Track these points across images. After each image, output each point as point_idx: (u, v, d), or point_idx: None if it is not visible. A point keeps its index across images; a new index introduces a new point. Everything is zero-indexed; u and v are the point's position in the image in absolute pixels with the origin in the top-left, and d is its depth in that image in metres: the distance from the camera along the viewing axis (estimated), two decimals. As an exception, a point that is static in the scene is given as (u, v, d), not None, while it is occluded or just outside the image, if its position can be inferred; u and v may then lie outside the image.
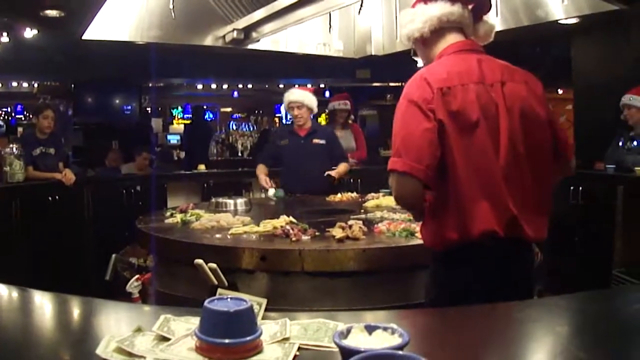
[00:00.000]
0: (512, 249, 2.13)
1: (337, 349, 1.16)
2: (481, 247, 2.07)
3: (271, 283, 2.86)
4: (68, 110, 10.58)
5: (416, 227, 2.92)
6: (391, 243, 2.96)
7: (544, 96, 2.26)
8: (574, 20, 4.98)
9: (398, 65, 7.55)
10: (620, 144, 5.59)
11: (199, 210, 4.00)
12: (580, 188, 5.40)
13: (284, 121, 13.55)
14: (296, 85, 9.07)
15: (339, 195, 4.90)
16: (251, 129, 13.00)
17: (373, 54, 6.60)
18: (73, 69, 9.19)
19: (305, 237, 3.03)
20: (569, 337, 1.51)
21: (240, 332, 1.20)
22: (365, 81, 11.02)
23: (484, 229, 2.04)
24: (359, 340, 1.16)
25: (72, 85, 10.10)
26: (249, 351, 1.24)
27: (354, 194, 4.97)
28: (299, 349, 1.32)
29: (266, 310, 1.54)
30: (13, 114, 13.58)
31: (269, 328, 1.38)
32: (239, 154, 10.87)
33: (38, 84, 10.93)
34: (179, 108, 15.01)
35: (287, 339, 1.34)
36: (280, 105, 5.82)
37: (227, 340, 1.19)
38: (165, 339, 1.33)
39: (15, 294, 1.83)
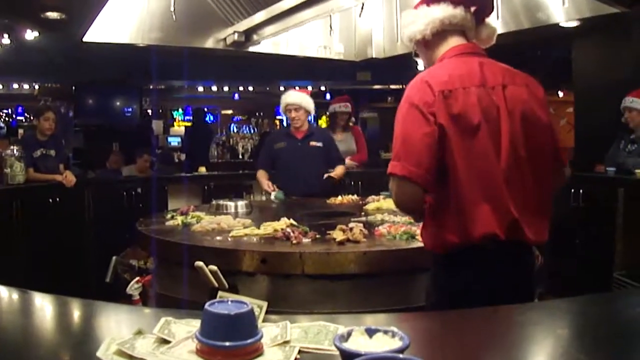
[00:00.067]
0: (513, 252, 2.13)
1: (337, 352, 1.16)
2: (482, 250, 2.06)
3: (272, 286, 2.85)
4: (69, 112, 10.60)
5: (417, 230, 2.91)
6: (392, 246, 2.95)
7: (545, 99, 2.26)
8: (574, 23, 4.98)
9: (399, 67, 7.56)
10: (621, 146, 5.60)
11: (200, 212, 4.00)
12: (581, 190, 5.40)
13: (284, 124, 13.57)
14: (296, 88, 9.08)
15: (339, 197, 4.89)
16: (252, 131, 12.99)
17: (374, 56, 6.60)
18: (74, 71, 9.20)
19: (305, 240, 3.02)
20: (570, 340, 1.51)
21: (241, 335, 1.20)
22: (366, 84, 11.03)
23: (485, 232, 2.04)
24: (359, 343, 1.16)
25: (73, 87, 10.11)
26: (250, 354, 1.24)
27: (355, 197, 4.96)
28: (300, 352, 1.31)
29: (267, 312, 1.54)
30: (14, 116, 13.60)
31: (270, 331, 1.38)
32: (240, 157, 10.87)
33: (39, 86, 10.95)
34: (180, 110, 15.02)
35: (287, 342, 1.34)
36: (281, 107, 5.88)
37: (227, 343, 1.19)
38: (165, 341, 1.33)
39: (15, 295, 1.83)
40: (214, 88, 12.46)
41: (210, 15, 5.70)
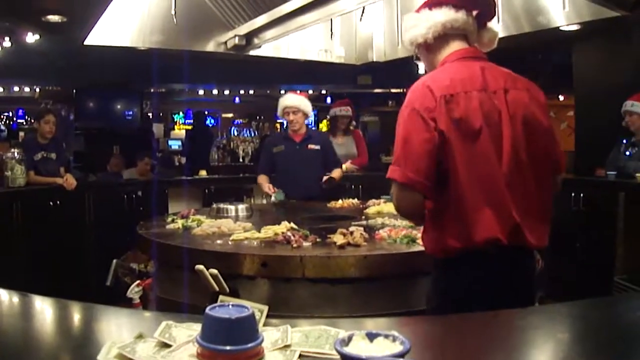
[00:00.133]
0: (514, 256, 2.13)
1: (338, 357, 1.16)
2: (484, 254, 2.06)
3: (272, 289, 2.85)
4: (69, 115, 10.60)
5: (417, 233, 2.92)
6: (392, 250, 2.95)
7: (545, 104, 2.26)
8: (575, 27, 4.99)
9: (399, 71, 7.57)
10: (622, 150, 5.59)
11: (200, 216, 4.00)
12: (582, 194, 5.40)
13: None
14: (297, 91, 9.08)
15: (340, 201, 4.89)
16: (252, 134, 12.98)
17: (374, 60, 6.62)
18: (75, 74, 9.20)
19: (306, 244, 3.03)
20: (571, 344, 1.50)
21: (241, 339, 1.20)
22: (367, 87, 11.03)
23: (488, 237, 2.04)
24: (360, 347, 1.16)
25: (74, 90, 10.11)
26: (251, 358, 1.24)
27: (355, 201, 4.96)
28: (300, 356, 1.31)
29: (267, 316, 1.54)
30: (14, 119, 13.63)
31: (270, 335, 1.38)
32: (240, 160, 10.85)
33: (40, 89, 10.96)
34: (181, 113, 15.05)
35: (288, 346, 1.34)
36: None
37: (228, 347, 1.19)
38: (166, 345, 1.33)
39: (15, 299, 1.83)
40: (215, 91, 12.48)
41: (211, 19, 5.71)
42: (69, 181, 5.75)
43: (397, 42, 6.21)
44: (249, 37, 5.45)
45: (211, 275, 2.62)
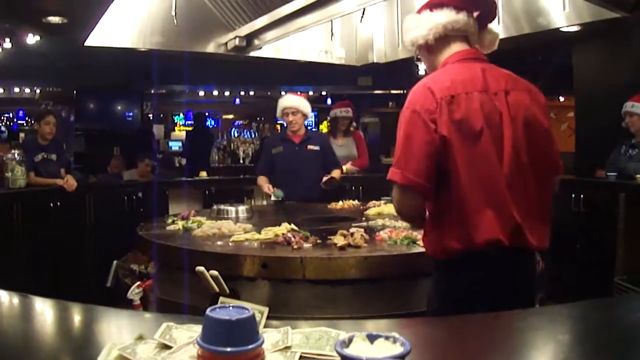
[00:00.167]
0: (515, 257, 2.13)
1: (338, 358, 1.16)
2: (484, 255, 2.07)
3: (272, 291, 2.85)
4: (70, 117, 10.59)
5: (418, 235, 2.92)
6: (393, 251, 2.95)
7: (546, 105, 2.27)
8: (575, 28, 4.99)
9: (400, 72, 7.58)
10: (622, 151, 5.59)
11: (201, 217, 4.00)
12: (582, 196, 5.40)
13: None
14: (298, 92, 9.08)
15: (340, 202, 4.89)
16: (253, 136, 13.00)
17: (375, 61, 6.61)
18: (75, 75, 9.20)
19: (306, 245, 3.02)
20: (571, 346, 1.50)
21: (242, 340, 1.20)
22: (367, 89, 11.03)
23: (489, 238, 2.04)
24: (360, 349, 1.16)
25: (74, 92, 10.10)
26: (251, 359, 1.24)
27: (356, 202, 4.96)
28: (301, 357, 1.32)
29: (268, 318, 1.54)
30: (15, 120, 13.63)
31: (271, 336, 1.38)
32: (241, 161, 10.86)
33: (40, 90, 10.96)
34: (181, 115, 15.04)
35: (288, 347, 1.34)
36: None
37: (229, 349, 1.19)
38: (167, 347, 1.33)
39: (16, 300, 1.83)
40: (215, 93, 12.47)
41: (211, 20, 5.71)
42: (70, 182, 5.75)
43: (398, 44, 6.21)
44: (250, 38, 5.44)
45: (211, 276, 2.62)
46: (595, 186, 5.60)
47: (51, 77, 9.66)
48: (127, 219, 5.12)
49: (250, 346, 1.21)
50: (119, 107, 10.49)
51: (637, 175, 5.08)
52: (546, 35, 5.21)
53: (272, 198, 5.20)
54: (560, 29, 4.99)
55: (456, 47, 2.28)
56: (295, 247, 2.99)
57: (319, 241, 3.09)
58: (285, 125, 5.63)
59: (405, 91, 2.19)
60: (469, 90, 2.10)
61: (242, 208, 4.35)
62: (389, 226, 3.55)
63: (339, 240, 2.99)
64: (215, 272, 2.61)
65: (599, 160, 5.79)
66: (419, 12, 2.34)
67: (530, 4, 5.03)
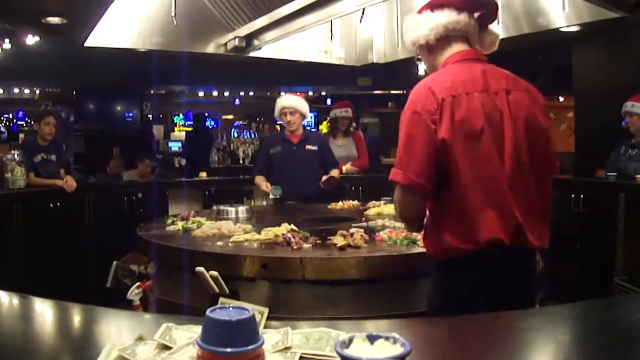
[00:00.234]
0: (516, 257, 2.13)
1: (338, 359, 1.15)
2: (485, 255, 2.07)
3: (272, 291, 2.85)
4: (70, 117, 10.59)
5: (418, 235, 2.92)
6: (393, 251, 2.95)
7: (545, 106, 2.27)
8: (575, 28, 4.99)
9: (399, 72, 7.59)
10: (622, 151, 5.59)
11: (200, 217, 4.00)
12: (582, 196, 5.40)
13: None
14: (297, 93, 9.08)
15: (340, 203, 4.89)
16: (252, 136, 12.98)
17: (374, 61, 6.61)
18: (75, 75, 9.20)
19: (306, 245, 3.02)
20: (571, 346, 1.50)
21: (242, 341, 1.20)
22: (367, 89, 11.03)
23: (490, 237, 2.04)
24: (360, 349, 1.16)
25: (74, 92, 10.10)
26: (251, 360, 1.24)
27: (356, 202, 4.96)
28: (301, 358, 1.31)
29: (268, 318, 1.54)
30: (15, 120, 13.63)
31: (271, 337, 1.38)
32: (241, 162, 10.84)
33: (40, 91, 10.95)
34: (181, 115, 15.04)
35: (288, 348, 1.34)
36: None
37: (229, 350, 1.18)
38: (167, 347, 1.33)
39: (15, 301, 1.83)
40: (215, 93, 12.48)
41: (211, 21, 5.71)
42: (69, 183, 5.75)
43: (397, 44, 6.21)
44: (249, 38, 5.44)
45: (211, 277, 2.62)
46: (595, 186, 5.60)
47: (51, 78, 9.66)
48: (127, 220, 5.12)
49: (250, 347, 1.21)
50: (119, 108, 10.49)
51: (637, 175, 5.08)
52: (546, 35, 5.21)
53: (270, 196, 5.20)
54: (560, 29, 4.99)
55: (456, 48, 2.29)
56: (295, 247, 2.99)
57: (318, 241, 3.09)
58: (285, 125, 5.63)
59: (404, 91, 2.20)
60: (470, 91, 2.11)
61: (241, 208, 4.34)
62: (388, 226, 3.55)
63: (338, 240, 2.99)
64: (215, 273, 2.61)
65: (599, 161, 5.79)
66: (419, 12, 2.34)
67: (530, 4, 5.03)
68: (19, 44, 6.61)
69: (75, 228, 5.95)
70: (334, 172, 5.47)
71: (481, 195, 2.06)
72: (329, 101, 12.86)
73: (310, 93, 12.38)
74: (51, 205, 5.60)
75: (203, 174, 7.76)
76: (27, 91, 11.09)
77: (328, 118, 8.07)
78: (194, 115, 13.23)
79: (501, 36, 2.47)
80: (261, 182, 5.35)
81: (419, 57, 2.46)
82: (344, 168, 6.61)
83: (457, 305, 2.09)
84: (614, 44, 6.06)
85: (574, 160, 6.66)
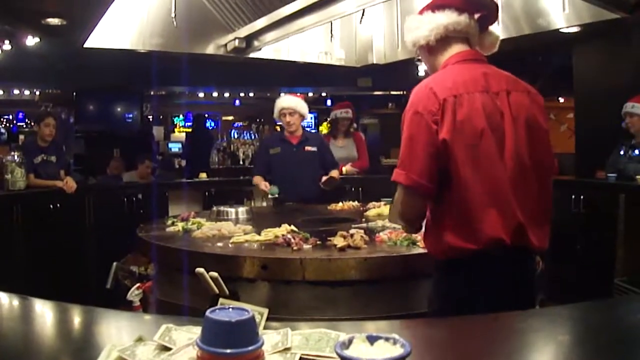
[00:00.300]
0: (516, 257, 2.14)
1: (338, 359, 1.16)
2: (486, 255, 2.07)
3: (272, 292, 2.85)
4: (70, 118, 10.58)
5: (418, 236, 2.92)
6: (393, 252, 2.95)
7: (544, 107, 2.28)
8: (575, 29, 4.99)
9: (399, 73, 7.58)
10: (622, 152, 5.59)
11: (200, 218, 4.00)
12: (582, 197, 5.40)
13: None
14: (297, 94, 9.08)
15: (340, 204, 4.89)
16: (253, 137, 12.98)
17: (374, 62, 6.60)
18: (75, 76, 9.19)
19: (306, 246, 3.02)
20: (571, 347, 1.50)
21: (241, 342, 1.20)
22: (367, 90, 11.01)
23: (492, 237, 2.05)
24: (360, 350, 1.16)
25: (74, 93, 10.09)
26: (250, 361, 1.24)
27: (356, 203, 4.96)
28: (301, 359, 1.31)
29: (267, 319, 1.54)
30: (15, 122, 13.61)
31: (271, 338, 1.38)
32: (241, 162, 10.84)
33: (40, 92, 10.94)
34: (181, 116, 15.02)
35: (288, 349, 1.34)
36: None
37: (228, 351, 1.18)
38: (166, 348, 1.33)
39: (15, 302, 1.83)
40: (215, 94, 12.46)
41: (211, 22, 5.70)
42: (69, 184, 5.75)
43: (397, 45, 6.21)
44: (249, 39, 5.44)
45: (211, 278, 2.62)
46: (595, 187, 5.60)
47: (51, 79, 9.64)
48: (127, 221, 5.12)
49: (249, 348, 1.21)
50: (119, 109, 10.48)
51: (637, 176, 5.08)
52: (546, 36, 5.21)
53: (269, 195, 5.21)
54: (560, 30, 4.99)
55: (457, 48, 2.30)
56: (295, 248, 2.99)
57: (318, 242, 3.09)
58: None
59: (405, 92, 2.20)
60: (471, 91, 2.12)
61: (241, 209, 4.34)
62: (388, 227, 3.55)
63: (338, 241, 2.99)
64: (215, 274, 2.61)
65: (599, 161, 5.79)
66: (420, 12, 2.35)
67: (530, 5, 5.02)
68: (19, 45, 6.61)
69: (75, 229, 5.95)
70: (334, 173, 5.47)
71: (483, 195, 2.07)
72: (329, 102, 12.85)
73: (311, 94, 12.37)
74: (51, 206, 5.60)
75: (203, 175, 7.77)
76: (27, 92, 11.07)
77: (328, 119, 8.06)
78: (194, 116, 13.22)
79: (501, 37, 2.48)
80: (259, 181, 5.35)
81: (420, 57, 2.47)
82: (343, 169, 6.61)
83: (457, 305, 2.09)
84: (614, 44, 6.06)
85: (574, 161, 6.66)
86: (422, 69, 5.86)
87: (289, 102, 5.49)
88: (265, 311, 1.55)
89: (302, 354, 1.32)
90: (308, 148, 5.47)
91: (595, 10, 4.49)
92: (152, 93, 11.82)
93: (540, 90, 2.32)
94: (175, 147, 12.52)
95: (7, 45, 6.72)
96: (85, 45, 5.50)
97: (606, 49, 6.22)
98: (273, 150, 5.49)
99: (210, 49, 5.87)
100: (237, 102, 13.93)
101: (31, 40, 6.26)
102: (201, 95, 12.66)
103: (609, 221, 5.09)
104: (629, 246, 4.93)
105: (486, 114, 2.10)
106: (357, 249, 2.95)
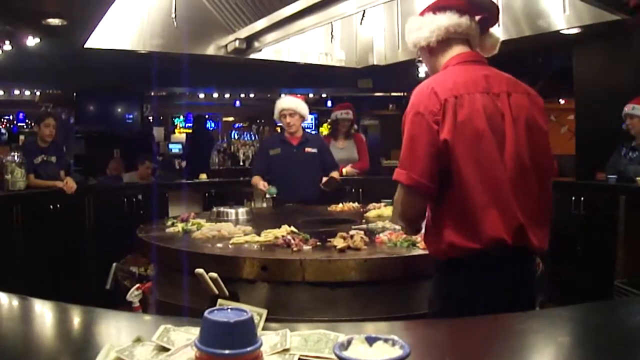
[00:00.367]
0: (517, 258, 2.14)
1: (337, 360, 1.15)
2: (486, 256, 2.07)
3: (272, 293, 2.85)
4: (70, 119, 10.57)
5: (418, 237, 2.92)
6: (393, 253, 2.95)
7: (544, 109, 2.28)
8: (575, 30, 4.99)
9: (400, 74, 7.57)
10: (622, 153, 5.59)
11: (200, 219, 4.00)
12: (582, 198, 5.40)
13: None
14: (297, 95, 9.08)
15: (340, 205, 4.89)
16: (253, 138, 12.99)
17: (375, 63, 6.60)
18: (75, 77, 9.19)
19: (306, 247, 3.02)
20: (571, 348, 1.50)
21: (240, 342, 1.20)
22: (367, 91, 11.01)
23: (493, 237, 2.05)
24: (359, 351, 1.16)
25: (74, 94, 10.08)
26: (249, 362, 1.23)
27: (356, 204, 4.95)
28: (299, 360, 1.31)
29: (267, 320, 1.53)
30: (15, 122, 13.61)
31: (269, 339, 1.37)
32: (241, 163, 10.86)
33: (40, 92, 10.93)
34: (181, 117, 15.01)
35: (287, 350, 1.34)
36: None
37: (227, 351, 1.18)
38: (164, 349, 1.33)
39: (15, 302, 1.83)
40: (215, 95, 12.46)
41: (211, 22, 5.71)
42: (69, 184, 5.75)
43: (398, 46, 6.21)
44: (250, 40, 5.44)
45: (211, 278, 2.62)
46: (596, 189, 5.60)
47: (51, 80, 9.64)
48: (127, 221, 5.12)
49: (248, 349, 1.20)
50: (119, 110, 10.47)
51: (638, 178, 5.08)
52: (546, 37, 5.21)
53: (267, 195, 5.22)
54: (561, 32, 4.99)
55: (457, 50, 2.31)
56: (294, 249, 2.99)
57: (318, 243, 3.09)
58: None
59: (405, 93, 2.20)
60: (471, 92, 2.12)
61: (241, 210, 4.34)
62: (389, 228, 3.55)
63: (338, 242, 2.99)
64: (214, 275, 2.62)
65: (599, 163, 5.79)
66: (421, 14, 2.36)
67: (530, 7, 5.03)
68: (20, 45, 6.60)
69: (75, 230, 5.95)
70: (334, 174, 5.47)
71: (483, 196, 2.07)
72: (329, 103, 12.84)
73: (311, 95, 12.37)
74: (51, 206, 5.60)
75: (203, 176, 7.77)
76: (27, 93, 11.06)
77: (329, 120, 8.06)
78: (194, 117, 13.23)
79: (502, 38, 2.48)
80: (258, 181, 5.35)
81: (420, 59, 2.47)
82: (344, 171, 6.61)
83: (458, 306, 2.09)
84: (615, 46, 6.06)
85: (574, 162, 6.66)
86: (422, 70, 5.84)
87: (290, 103, 5.49)
88: (264, 312, 1.54)
89: (301, 355, 1.32)
90: (308, 149, 5.47)
91: (595, 11, 4.49)
92: (152, 94, 11.81)
93: (540, 92, 2.32)
94: (175, 148, 12.52)
95: (7, 46, 6.72)
96: (85, 46, 5.50)
97: (606, 50, 6.22)
98: (273, 151, 5.49)
99: (210, 50, 5.87)
100: (238, 103, 13.93)
101: (31, 41, 6.26)
102: (201, 96, 12.66)
103: (609, 223, 5.08)
104: (629, 248, 4.92)
105: (487, 114, 2.10)
106: (357, 250, 2.95)
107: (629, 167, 5.40)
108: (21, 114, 13.44)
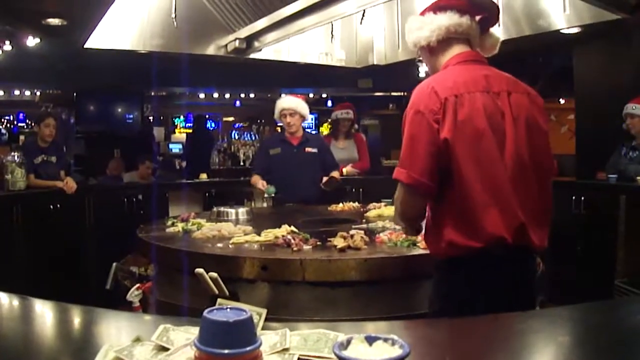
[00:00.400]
0: (518, 257, 2.14)
1: (337, 360, 1.15)
2: (487, 255, 2.07)
3: (272, 293, 2.85)
4: (70, 119, 10.57)
5: (418, 236, 2.92)
6: (393, 253, 2.95)
7: (543, 108, 2.29)
8: (575, 30, 4.98)
9: (400, 74, 7.58)
10: (623, 153, 5.59)
11: (201, 219, 4.00)
12: (583, 198, 5.40)
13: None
14: (298, 95, 9.08)
15: (340, 204, 4.89)
16: (253, 138, 13.00)
17: (375, 63, 6.60)
18: (75, 77, 9.19)
19: (306, 247, 3.02)
20: (571, 348, 1.50)
21: (239, 342, 1.20)
22: (367, 91, 11.00)
23: (494, 236, 2.05)
24: (359, 351, 1.16)
25: (74, 94, 10.08)
26: (249, 362, 1.23)
27: (356, 204, 4.95)
28: (299, 359, 1.31)
29: (267, 320, 1.53)
30: (15, 122, 13.60)
31: (269, 338, 1.37)
32: (241, 163, 10.86)
33: (40, 92, 10.93)
34: (181, 117, 15.01)
35: (286, 349, 1.33)
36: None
37: (226, 351, 1.18)
38: (164, 348, 1.33)
39: (15, 302, 1.83)
40: (215, 95, 12.45)
41: (211, 22, 5.70)
42: (69, 184, 5.75)
43: (398, 46, 6.21)
44: (250, 40, 5.44)
45: (211, 278, 2.62)
46: (596, 188, 5.59)
47: (51, 80, 9.64)
48: (127, 221, 5.12)
49: (247, 348, 1.20)
50: (119, 110, 10.46)
51: (638, 178, 5.08)
52: (546, 37, 5.21)
53: (265, 195, 5.22)
54: (561, 31, 4.98)
55: (458, 49, 2.32)
56: (295, 249, 2.99)
57: (318, 243, 3.09)
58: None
59: (405, 93, 2.20)
60: (472, 91, 2.13)
61: (242, 210, 4.34)
62: (389, 228, 3.55)
63: (338, 242, 2.99)
64: (214, 274, 2.62)
65: (600, 163, 5.78)
66: (422, 13, 2.36)
67: (530, 6, 5.02)
68: (20, 45, 6.60)
69: (75, 230, 5.95)
70: (335, 173, 5.47)
71: (484, 195, 2.07)
72: (329, 103, 12.84)
73: (311, 95, 12.36)
74: (51, 206, 5.60)
75: (203, 176, 7.77)
76: (27, 93, 11.06)
77: (329, 120, 8.05)
78: (194, 117, 13.22)
79: (502, 38, 2.48)
80: (257, 180, 5.34)
81: (420, 58, 2.48)
82: (344, 170, 6.61)
83: (458, 306, 2.09)
84: (615, 45, 6.06)
85: (574, 162, 6.66)
86: (422, 69, 5.85)
87: (290, 103, 5.48)
88: (264, 312, 1.54)
89: (300, 355, 1.32)
90: (308, 149, 5.47)
91: (595, 11, 4.49)
92: (152, 94, 11.80)
93: (540, 91, 2.33)
94: (175, 148, 12.52)
95: (7, 46, 6.72)
96: (85, 46, 5.50)
97: (607, 49, 6.21)
98: (273, 151, 5.49)
99: (210, 50, 5.87)
100: (238, 103, 13.93)
101: (32, 41, 6.26)
102: (202, 96, 12.65)
103: (610, 222, 5.08)
104: (629, 247, 4.92)
105: (487, 114, 2.10)
106: (357, 250, 2.94)
107: (629, 166, 5.40)
108: (21, 114, 13.43)
